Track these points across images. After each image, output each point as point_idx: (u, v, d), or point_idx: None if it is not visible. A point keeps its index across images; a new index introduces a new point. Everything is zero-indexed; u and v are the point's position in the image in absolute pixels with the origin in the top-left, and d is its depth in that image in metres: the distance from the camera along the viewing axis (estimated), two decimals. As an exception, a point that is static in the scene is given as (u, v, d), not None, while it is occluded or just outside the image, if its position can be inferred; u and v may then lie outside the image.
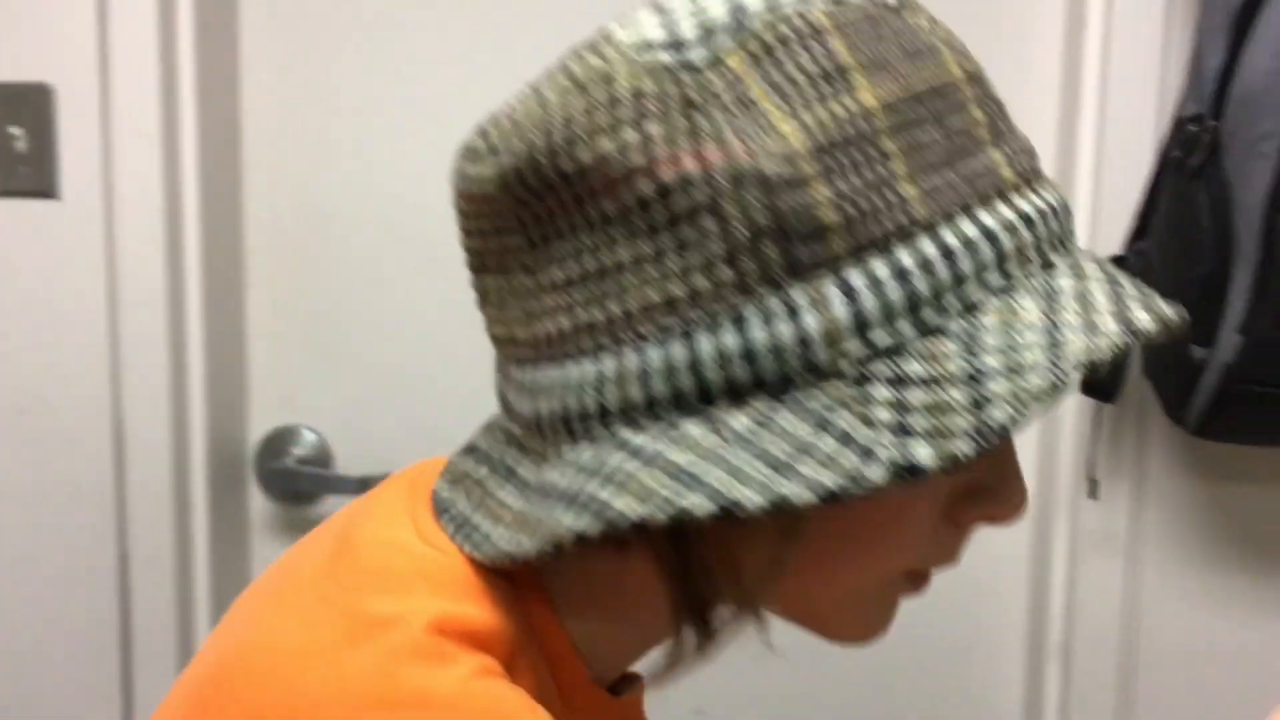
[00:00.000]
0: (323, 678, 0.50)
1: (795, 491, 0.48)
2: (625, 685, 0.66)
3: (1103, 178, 1.28)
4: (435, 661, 0.50)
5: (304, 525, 1.52)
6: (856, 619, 0.60)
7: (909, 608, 1.45)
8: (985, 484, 0.57)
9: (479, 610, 0.53)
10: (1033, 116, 1.35)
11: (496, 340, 0.58)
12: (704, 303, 0.50)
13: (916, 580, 0.60)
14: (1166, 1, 1.22)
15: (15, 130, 1.36)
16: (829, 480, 0.48)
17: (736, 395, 0.50)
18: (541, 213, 0.53)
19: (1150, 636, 1.36)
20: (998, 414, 0.48)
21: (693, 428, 0.50)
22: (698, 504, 0.48)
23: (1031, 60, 1.35)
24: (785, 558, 0.53)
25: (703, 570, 0.54)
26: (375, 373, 1.48)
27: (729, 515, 0.48)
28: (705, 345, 0.50)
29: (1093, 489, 1.30)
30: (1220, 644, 1.35)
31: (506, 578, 0.56)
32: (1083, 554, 1.33)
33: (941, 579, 1.56)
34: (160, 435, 1.41)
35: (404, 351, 1.47)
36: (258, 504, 1.53)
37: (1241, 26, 1.12)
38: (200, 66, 1.39)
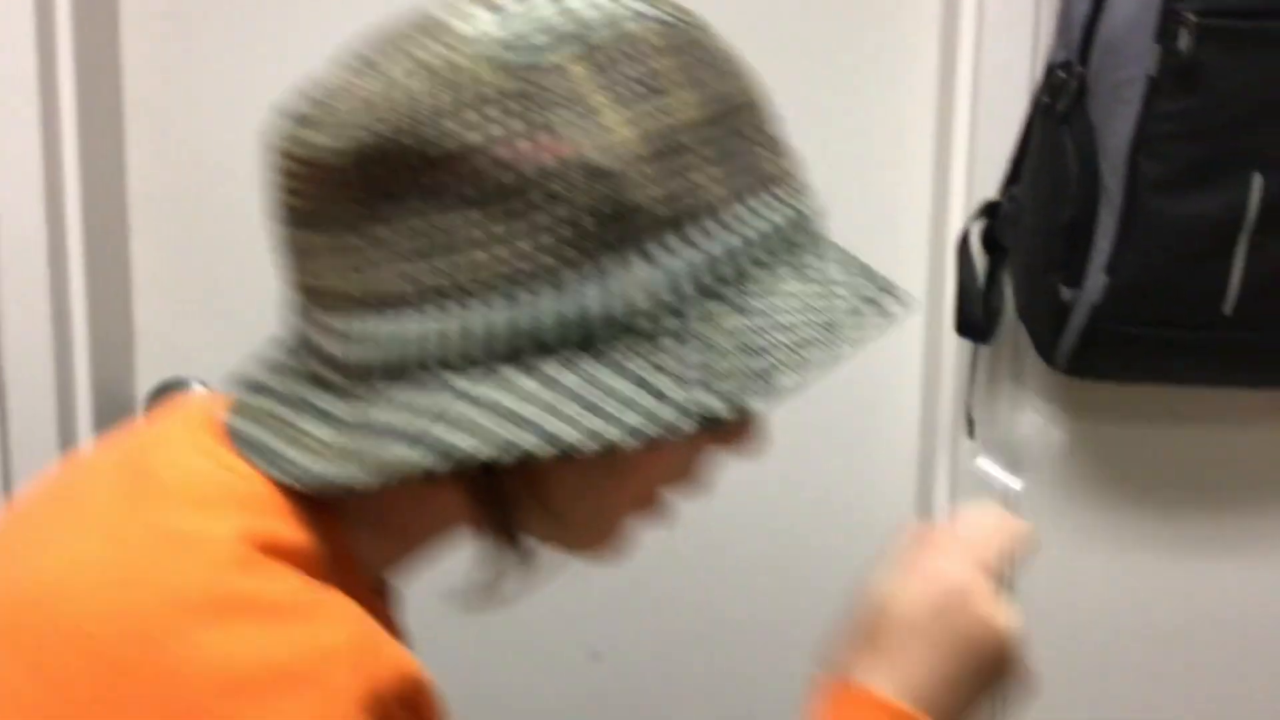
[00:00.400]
0: (152, 590, 0.54)
1: (620, 437, 0.56)
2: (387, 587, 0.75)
3: (979, 124, 1.31)
4: (258, 570, 0.56)
5: None
6: (602, 536, 0.68)
7: (805, 558, 1.47)
8: (736, 422, 0.66)
9: (287, 527, 0.59)
10: (912, 65, 1.39)
11: (306, 290, 0.64)
12: (528, 268, 0.57)
13: (659, 505, 0.68)
14: None
15: (-117, 78, 1.33)
16: (649, 429, 0.57)
17: (552, 349, 0.58)
18: (383, 182, 0.58)
19: (1031, 569, 1.41)
20: (783, 378, 0.59)
21: (517, 377, 0.58)
22: (538, 446, 0.56)
23: (910, 9, 1.38)
24: (604, 487, 0.64)
25: (513, 499, 0.62)
26: (265, 325, 1.48)
27: (566, 456, 0.56)
28: (527, 306, 0.57)
29: (970, 428, 1.35)
30: (1091, 574, 1.42)
31: (303, 497, 0.61)
32: (963, 491, 1.38)
33: (832, 522, 1.57)
34: (44, 389, 1.40)
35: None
36: None
37: None
38: (76, 7, 1.37)
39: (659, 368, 0.58)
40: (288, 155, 0.62)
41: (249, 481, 0.61)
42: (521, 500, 0.62)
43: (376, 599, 0.68)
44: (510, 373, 0.58)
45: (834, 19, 1.39)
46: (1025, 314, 1.28)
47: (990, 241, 1.30)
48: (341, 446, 0.60)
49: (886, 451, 1.47)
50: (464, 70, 0.57)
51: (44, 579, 0.57)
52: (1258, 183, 1.13)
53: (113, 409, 1.48)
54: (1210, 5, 1.10)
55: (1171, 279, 1.17)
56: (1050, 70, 1.22)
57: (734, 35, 0.69)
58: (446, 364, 0.58)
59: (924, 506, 1.44)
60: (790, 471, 1.46)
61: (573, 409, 0.57)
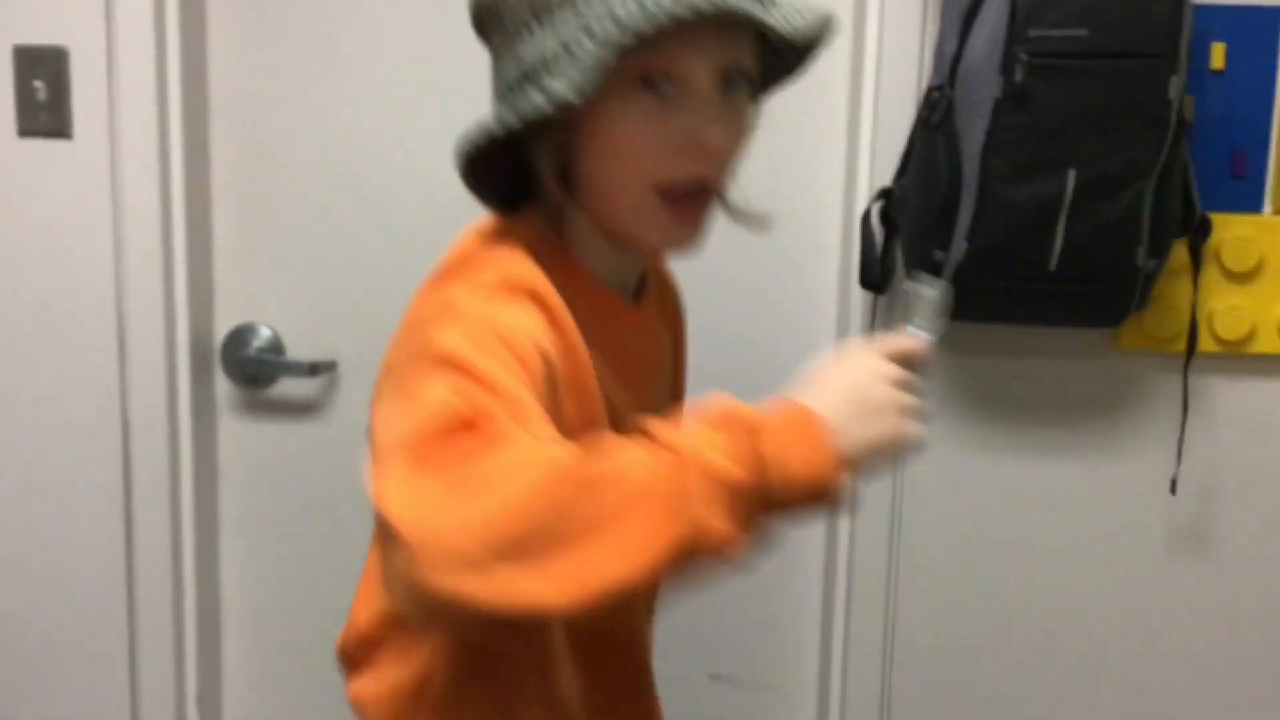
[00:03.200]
0: (455, 296, 0.93)
1: (555, 96, 0.92)
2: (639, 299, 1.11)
3: (879, 133, 1.71)
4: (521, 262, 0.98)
5: (262, 404, 1.89)
6: (648, 225, 1.00)
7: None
8: (684, 123, 0.96)
9: (527, 269, 0.97)
10: (828, 88, 1.78)
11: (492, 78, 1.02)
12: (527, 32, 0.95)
13: (676, 199, 0.98)
14: (922, 5, 1.67)
15: (37, 84, 1.69)
16: (569, 90, 0.91)
17: (534, 72, 0.95)
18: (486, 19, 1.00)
19: (915, 468, 1.81)
20: (624, 31, 0.90)
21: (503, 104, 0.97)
22: (516, 118, 0.95)
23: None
24: (611, 164, 0.98)
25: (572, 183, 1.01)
26: (317, 279, 1.85)
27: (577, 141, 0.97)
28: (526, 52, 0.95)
29: None
30: (965, 472, 1.81)
31: (545, 239, 1.01)
32: None
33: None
34: (154, 332, 1.78)
35: (339, 262, 1.84)
36: (223, 387, 1.89)
37: (968, 22, 1.56)
38: (183, 35, 1.74)
39: (553, 76, 0.92)
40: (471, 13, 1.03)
41: (514, 251, 0.99)
42: (574, 191, 1.00)
43: (606, 290, 1.05)
44: (523, 86, 0.95)
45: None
46: (910, 271, 1.69)
47: (886, 218, 1.70)
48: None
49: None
50: None
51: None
52: (1071, 176, 1.52)
53: (201, 347, 1.85)
54: (1037, 49, 1.49)
55: (1012, 244, 1.56)
56: (928, 93, 1.63)
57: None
58: (505, 86, 0.98)
59: (836, 422, 1.84)
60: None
61: (508, 113, 0.94)
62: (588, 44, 0.91)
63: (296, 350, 1.87)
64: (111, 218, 1.74)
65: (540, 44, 0.94)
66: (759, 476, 0.81)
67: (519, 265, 0.96)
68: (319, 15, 1.79)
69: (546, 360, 0.90)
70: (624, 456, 0.79)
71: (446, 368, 0.83)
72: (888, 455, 0.88)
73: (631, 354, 1.08)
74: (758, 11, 0.93)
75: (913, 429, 0.89)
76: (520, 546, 0.74)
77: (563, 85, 0.90)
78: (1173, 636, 1.85)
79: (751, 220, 1.12)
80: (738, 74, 0.99)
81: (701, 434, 0.82)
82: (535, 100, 0.92)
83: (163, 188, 1.74)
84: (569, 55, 0.91)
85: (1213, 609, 1.84)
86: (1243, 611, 1.84)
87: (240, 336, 1.87)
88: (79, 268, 1.76)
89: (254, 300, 1.87)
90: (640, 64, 0.94)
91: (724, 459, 0.80)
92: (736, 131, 1.01)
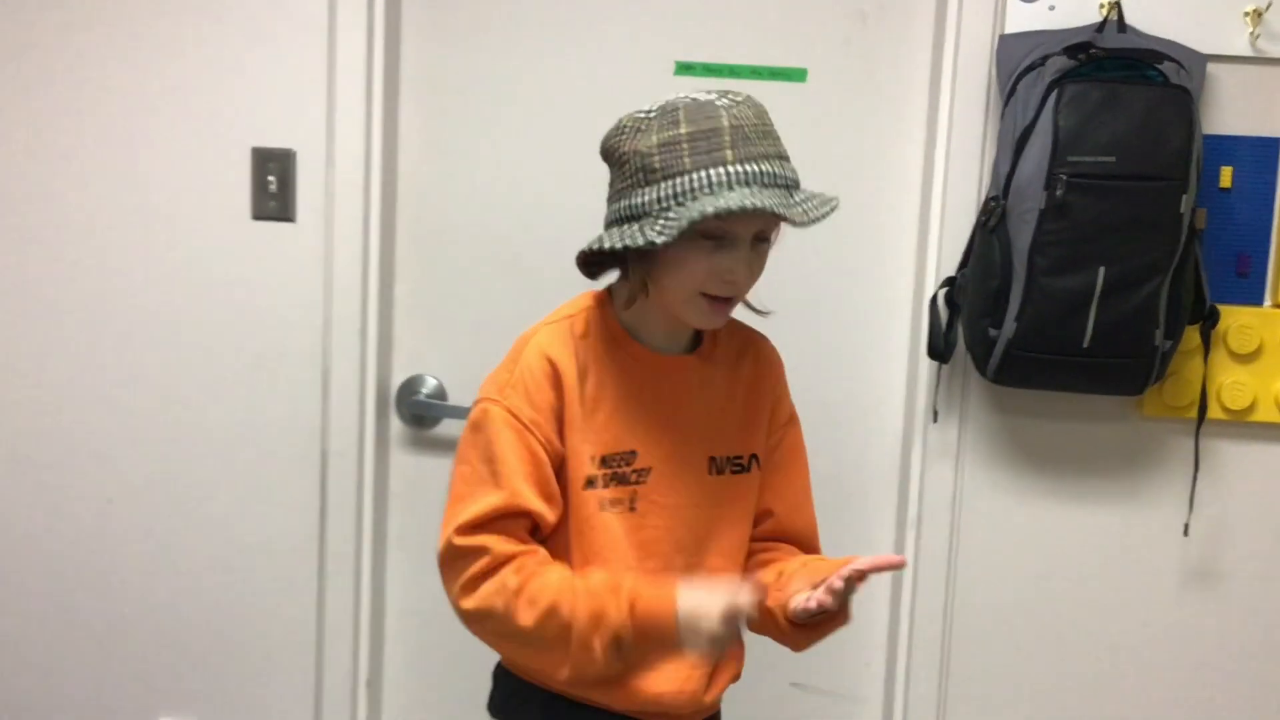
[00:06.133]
0: (482, 410, 1.49)
1: (622, 243, 1.39)
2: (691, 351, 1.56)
3: (945, 232, 2.07)
4: (546, 330, 1.51)
5: (426, 442, 2.27)
6: (693, 313, 1.45)
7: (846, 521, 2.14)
8: (727, 265, 1.41)
9: (579, 314, 1.50)
10: (905, 197, 2.15)
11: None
12: (628, 190, 1.41)
13: (713, 300, 1.44)
14: (982, 132, 2.05)
15: (270, 178, 2.11)
16: (638, 240, 1.37)
17: (624, 220, 1.41)
18: (608, 159, 1.46)
19: (970, 511, 2.13)
20: (682, 219, 1.35)
21: (614, 229, 1.43)
22: (607, 246, 1.41)
23: (904, 165, 2.14)
24: (666, 279, 1.43)
25: (645, 283, 1.47)
26: (475, 337, 2.21)
27: (649, 261, 1.43)
28: (623, 203, 1.41)
29: (935, 417, 2.11)
30: (1012, 515, 2.13)
31: (611, 309, 1.51)
32: (930, 459, 2.13)
33: (838, 482, 2.28)
34: (350, 379, 2.16)
35: (494, 323, 2.11)
36: (396, 427, 2.27)
37: (1019, 148, 1.93)
38: (384, 143, 2.14)
39: (654, 224, 1.35)
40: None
41: (582, 303, 1.53)
42: (649, 284, 1.45)
43: (638, 345, 1.50)
44: (613, 227, 1.42)
45: (859, 177, 2.15)
46: (969, 345, 2.04)
47: (950, 301, 2.05)
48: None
49: (879, 432, 2.20)
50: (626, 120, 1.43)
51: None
52: (1101, 272, 1.87)
53: (380, 392, 2.22)
54: (1075, 171, 1.85)
55: (1053, 325, 1.90)
56: (986, 201, 1.99)
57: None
58: (617, 215, 1.42)
59: (905, 470, 2.18)
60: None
61: (619, 237, 1.38)
62: (681, 213, 1.35)
63: (457, 397, 2.23)
64: (322, 286, 2.14)
65: (645, 197, 1.38)
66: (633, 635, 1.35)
67: (536, 352, 1.47)
68: (485, 126, 2.19)
69: (544, 417, 1.46)
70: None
71: (471, 482, 1.47)
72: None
73: (664, 392, 1.52)
74: (783, 208, 1.36)
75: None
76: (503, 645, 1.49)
77: (656, 234, 1.35)
78: (1182, 656, 2.16)
79: (760, 310, 1.56)
80: (765, 236, 1.44)
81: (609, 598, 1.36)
82: (637, 238, 1.37)
83: (363, 262, 2.14)
84: (664, 214, 1.36)
85: (1217, 630, 2.16)
86: (1244, 633, 2.16)
87: (411, 385, 2.24)
88: (295, 325, 2.16)
89: (423, 355, 2.24)
90: (708, 226, 1.37)
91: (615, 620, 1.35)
92: (757, 269, 1.46)
